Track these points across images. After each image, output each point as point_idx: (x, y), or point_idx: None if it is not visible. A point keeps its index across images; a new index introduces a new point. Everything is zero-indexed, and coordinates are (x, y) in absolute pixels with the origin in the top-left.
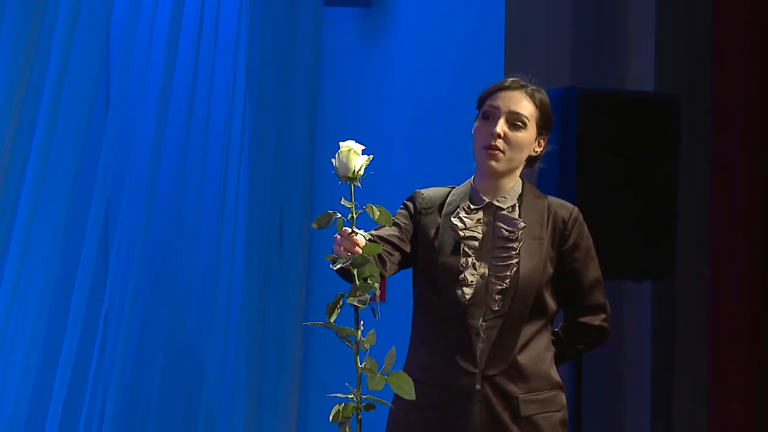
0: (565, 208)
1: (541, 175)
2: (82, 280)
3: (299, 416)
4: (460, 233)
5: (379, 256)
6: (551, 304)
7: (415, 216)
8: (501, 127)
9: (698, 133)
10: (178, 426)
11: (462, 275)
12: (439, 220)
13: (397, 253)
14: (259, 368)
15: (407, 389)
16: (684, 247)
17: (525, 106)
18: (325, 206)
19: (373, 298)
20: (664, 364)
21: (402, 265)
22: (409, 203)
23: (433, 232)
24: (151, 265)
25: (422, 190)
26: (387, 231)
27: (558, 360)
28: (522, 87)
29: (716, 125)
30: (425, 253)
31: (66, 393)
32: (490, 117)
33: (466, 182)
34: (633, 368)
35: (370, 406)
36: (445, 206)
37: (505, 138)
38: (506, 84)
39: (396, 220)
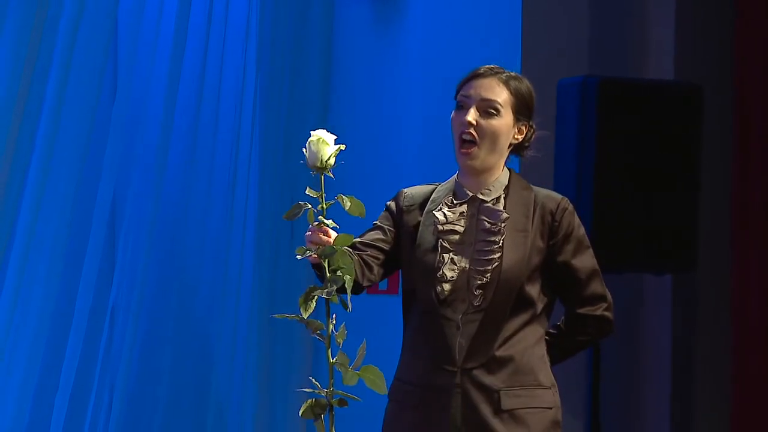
0: (552, 199)
1: (558, 164)
2: (88, 272)
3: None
4: (439, 227)
5: (365, 261)
6: (537, 297)
7: (398, 215)
8: (472, 115)
9: (720, 121)
10: (187, 419)
11: (440, 272)
12: (421, 217)
13: (382, 257)
14: (269, 361)
15: (379, 383)
16: (705, 239)
17: (498, 92)
18: (334, 193)
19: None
20: (685, 358)
21: (389, 267)
22: (391, 203)
23: (413, 229)
24: (158, 257)
25: (406, 189)
26: (371, 235)
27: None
28: (496, 74)
29: (738, 114)
30: (406, 251)
31: (72, 387)
32: (463, 107)
33: (450, 179)
34: (653, 362)
35: (342, 402)
36: (428, 203)
37: (478, 127)
38: (480, 71)
39: (379, 223)
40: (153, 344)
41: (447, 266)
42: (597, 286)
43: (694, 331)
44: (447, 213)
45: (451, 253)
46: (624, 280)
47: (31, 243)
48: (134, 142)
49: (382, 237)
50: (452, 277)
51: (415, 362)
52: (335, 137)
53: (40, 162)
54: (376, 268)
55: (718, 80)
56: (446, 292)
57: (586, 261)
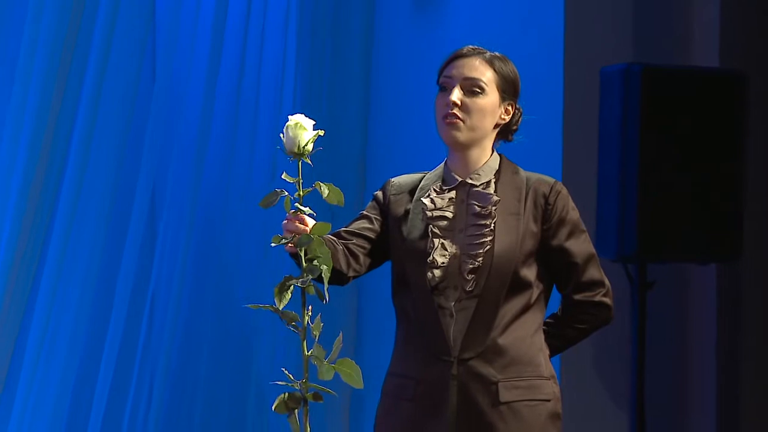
0: (544, 182)
1: (602, 152)
2: (128, 259)
3: (353, 395)
4: (428, 213)
5: (351, 250)
6: (533, 282)
7: (385, 204)
8: (456, 95)
9: (765, 109)
10: (228, 406)
11: (430, 257)
12: (409, 205)
13: (369, 246)
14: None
15: (355, 377)
16: (750, 228)
17: (481, 71)
18: (378, 181)
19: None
20: (730, 348)
21: (376, 257)
22: (378, 193)
23: (402, 217)
24: (198, 243)
25: (393, 179)
26: (357, 224)
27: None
28: (479, 53)
29: None
30: (395, 240)
31: (112, 378)
32: (446, 87)
33: (438, 166)
34: (698, 353)
35: (317, 396)
36: (417, 191)
37: (463, 106)
38: (462, 51)
39: (366, 213)
40: (192, 335)
41: (437, 251)
42: (594, 271)
43: (740, 321)
44: (435, 199)
45: (441, 239)
46: (669, 270)
47: (70, 235)
48: (173, 134)
49: (369, 226)
50: (443, 263)
51: (409, 354)
52: (314, 122)
53: (78, 154)
54: (362, 258)
55: (763, 66)
56: (437, 279)
57: (582, 245)
